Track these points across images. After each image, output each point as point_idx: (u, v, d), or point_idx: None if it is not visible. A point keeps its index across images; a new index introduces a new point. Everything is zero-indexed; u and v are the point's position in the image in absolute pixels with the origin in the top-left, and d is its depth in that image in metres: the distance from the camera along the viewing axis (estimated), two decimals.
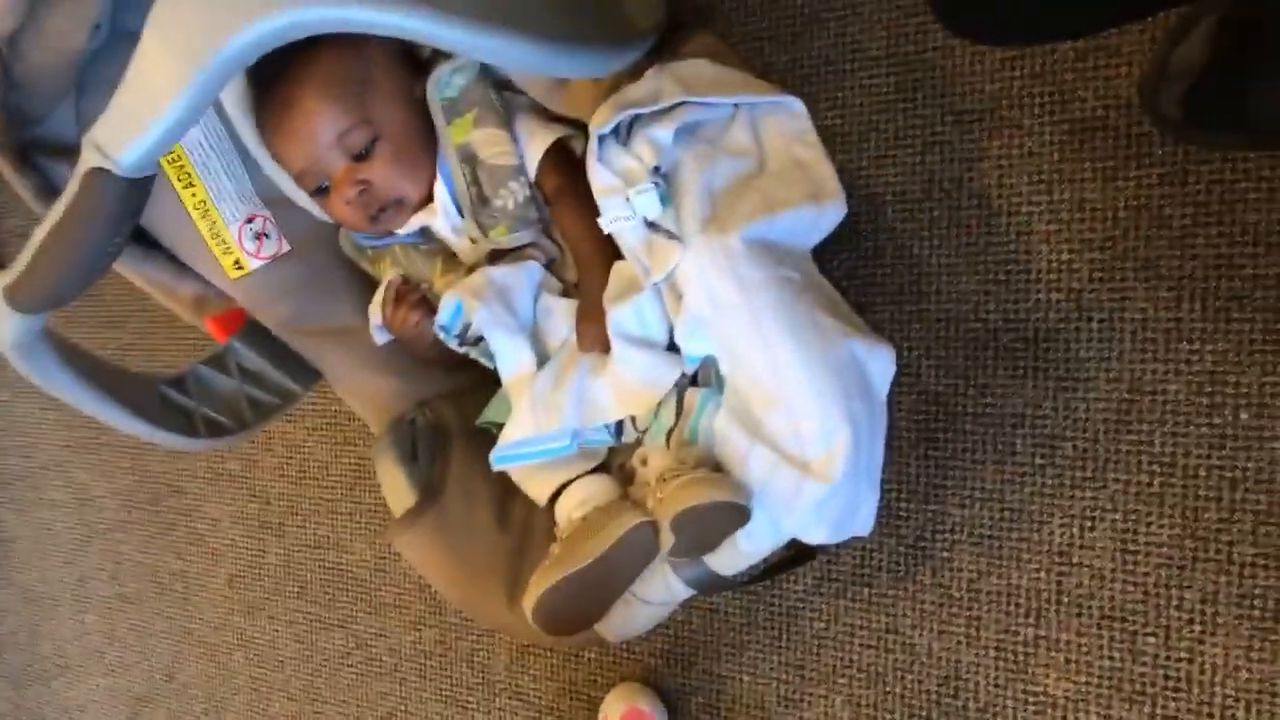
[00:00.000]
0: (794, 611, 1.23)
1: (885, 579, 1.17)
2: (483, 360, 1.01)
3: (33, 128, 0.90)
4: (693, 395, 0.94)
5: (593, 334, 0.94)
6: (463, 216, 1.00)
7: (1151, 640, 1.04)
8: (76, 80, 0.89)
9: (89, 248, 0.69)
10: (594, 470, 1.02)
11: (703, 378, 0.96)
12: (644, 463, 0.98)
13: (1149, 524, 1.03)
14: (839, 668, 1.21)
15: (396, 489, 1.05)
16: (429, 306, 1.02)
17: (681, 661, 1.31)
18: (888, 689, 1.18)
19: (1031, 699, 1.10)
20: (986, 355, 1.10)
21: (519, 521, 1.05)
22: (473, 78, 0.97)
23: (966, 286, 1.10)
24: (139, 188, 0.66)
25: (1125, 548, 1.04)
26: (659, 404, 0.96)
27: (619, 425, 1.01)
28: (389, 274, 1.06)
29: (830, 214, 0.92)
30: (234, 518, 1.78)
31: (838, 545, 1.18)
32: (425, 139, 0.98)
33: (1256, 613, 0.99)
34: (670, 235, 0.85)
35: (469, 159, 0.97)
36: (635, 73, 0.90)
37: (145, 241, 1.05)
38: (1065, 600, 1.08)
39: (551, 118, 1.00)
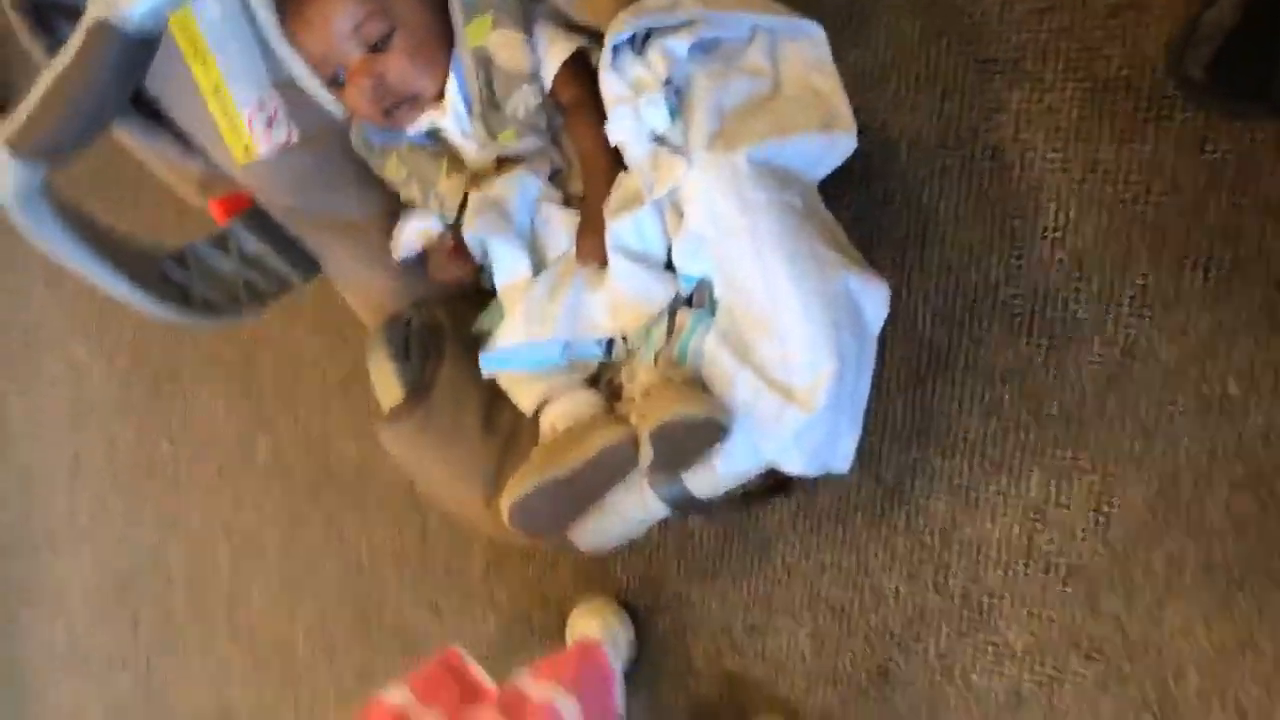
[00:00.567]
0: (767, 542, 1.25)
1: (860, 520, 1.19)
2: None
3: None
4: (685, 316, 0.95)
5: (591, 246, 0.94)
6: (472, 118, 0.99)
7: (1114, 600, 1.05)
8: None
9: (89, 100, 0.69)
10: (582, 384, 1.03)
11: (696, 300, 0.96)
12: (630, 378, 0.98)
13: (1125, 486, 1.04)
14: (806, 602, 1.23)
15: (386, 385, 1.06)
16: (475, 264, 1.03)
17: (653, 582, 1.34)
18: (852, 627, 1.20)
19: (990, 648, 1.12)
20: (984, 307, 1.10)
21: (504, 428, 1.06)
22: None
23: (971, 237, 1.10)
24: (143, 45, 0.66)
25: (1099, 508, 1.06)
26: (651, 322, 0.97)
27: (609, 342, 1.02)
28: (397, 174, 1.06)
29: (841, 145, 0.92)
30: (228, 409, 1.80)
31: (816, 482, 1.20)
32: (442, 36, 0.97)
33: (1220, 581, 1.00)
34: (676, 150, 0.85)
35: (484, 61, 0.96)
36: None
37: (155, 117, 1.04)
38: (1034, 555, 1.09)
39: (572, 27, 0.99)
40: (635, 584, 1.36)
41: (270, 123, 1.06)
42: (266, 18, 0.98)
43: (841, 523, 1.20)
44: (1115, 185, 1.03)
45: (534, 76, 0.96)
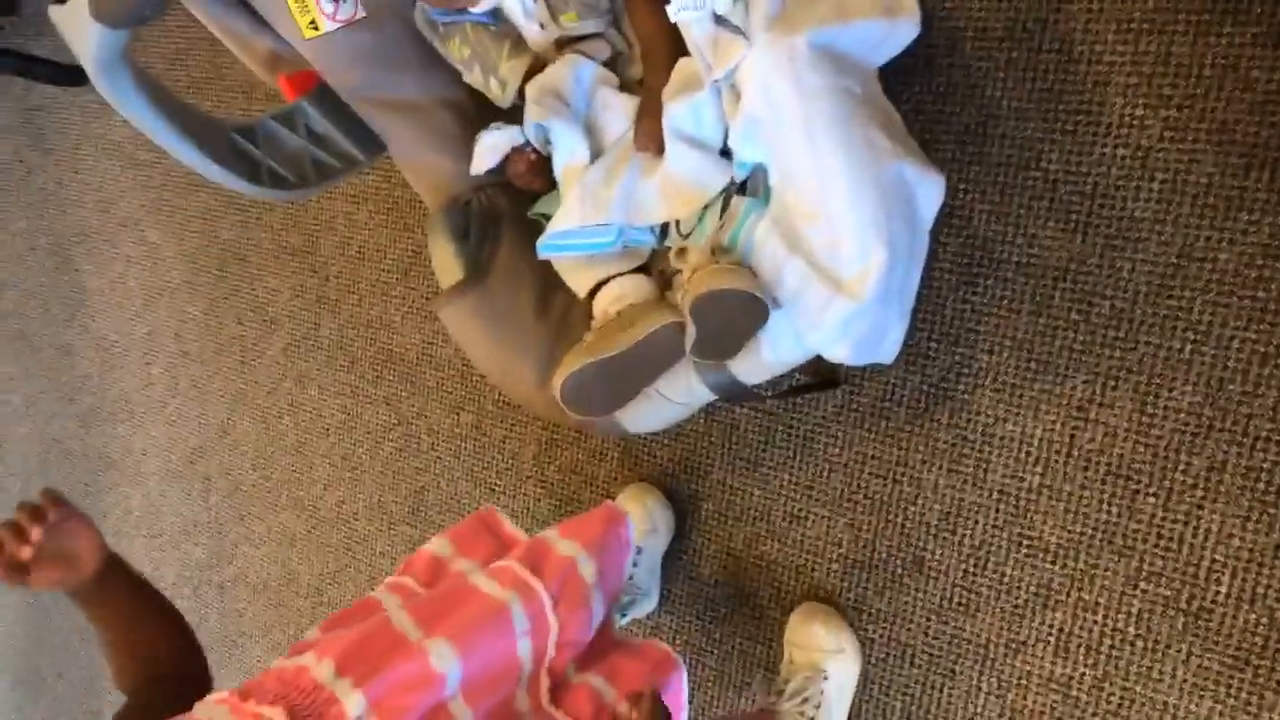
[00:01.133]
0: (810, 435, 1.28)
1: (903, 414, 1.21)
2: None
3: None
4: (738, 204, 0.96)
5: (650, 130, 0.95)
6: None
7: (1152, 500, 1.07)
8: None
9: None
10: (635, 270, 1.05)
11: (751, 188, 0.97)
12: (681, 255, 1.00)
13: (1171, 389, 1.04)
14: (846, 493, 1.26)
15: (446, 264, 1.10)
16: (551, 177, 1.04)
17: (698, 470, 1.38)
18: (890, 518, 1.23)
19: (1025, 542, 1.14)
20: (1041, 205, 1.09)
21: (559, 310, 1.09)
22: None
23: (1033, 133, 1.08)
24: None
25: (1143, 409, 1.06)
26: (704, 209, 0.98)
27: (664, 228, 1.04)
28: (459, 54, 1.07)
29: (903, 31, 0.91)
30: (293, 290, 1.86)
31: (861, 376, 1.22)
32: None
33: (1261, 486, 1.01)
34: (737, 31, 0.85)
35: None
36: None
37: None
38: (1075, 454, 1.10)
39: None
40: (680, 470, 1.40)
41: None
42: None
43: (885, 416, 1.22)
44: (1186, 80, 1.00)
45: None
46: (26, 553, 0.80)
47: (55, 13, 0.83)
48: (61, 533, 0.83)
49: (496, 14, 1.04)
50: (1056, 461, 1.11)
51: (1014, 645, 1.16)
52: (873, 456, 1.23)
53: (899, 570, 1.23)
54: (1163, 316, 1.04)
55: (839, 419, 1.25)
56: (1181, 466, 1.05)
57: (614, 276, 1.05)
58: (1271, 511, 1.01)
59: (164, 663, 0.88)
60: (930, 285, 1.16)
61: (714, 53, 0.87)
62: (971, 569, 1.18)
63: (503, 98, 1.06)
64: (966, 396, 1.16)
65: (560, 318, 1.10)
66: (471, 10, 1.03)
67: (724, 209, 0.98)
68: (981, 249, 1.13)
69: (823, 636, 1.23)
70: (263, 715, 0.72)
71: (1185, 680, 1.07)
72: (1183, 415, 1.04)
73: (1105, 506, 1.09)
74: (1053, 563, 1.13)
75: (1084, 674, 1.12)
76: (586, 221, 0.99)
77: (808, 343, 0.97)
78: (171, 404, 2.14)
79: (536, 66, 1.04)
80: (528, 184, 1.06)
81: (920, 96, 1.13)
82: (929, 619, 1.22)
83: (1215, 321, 1.02)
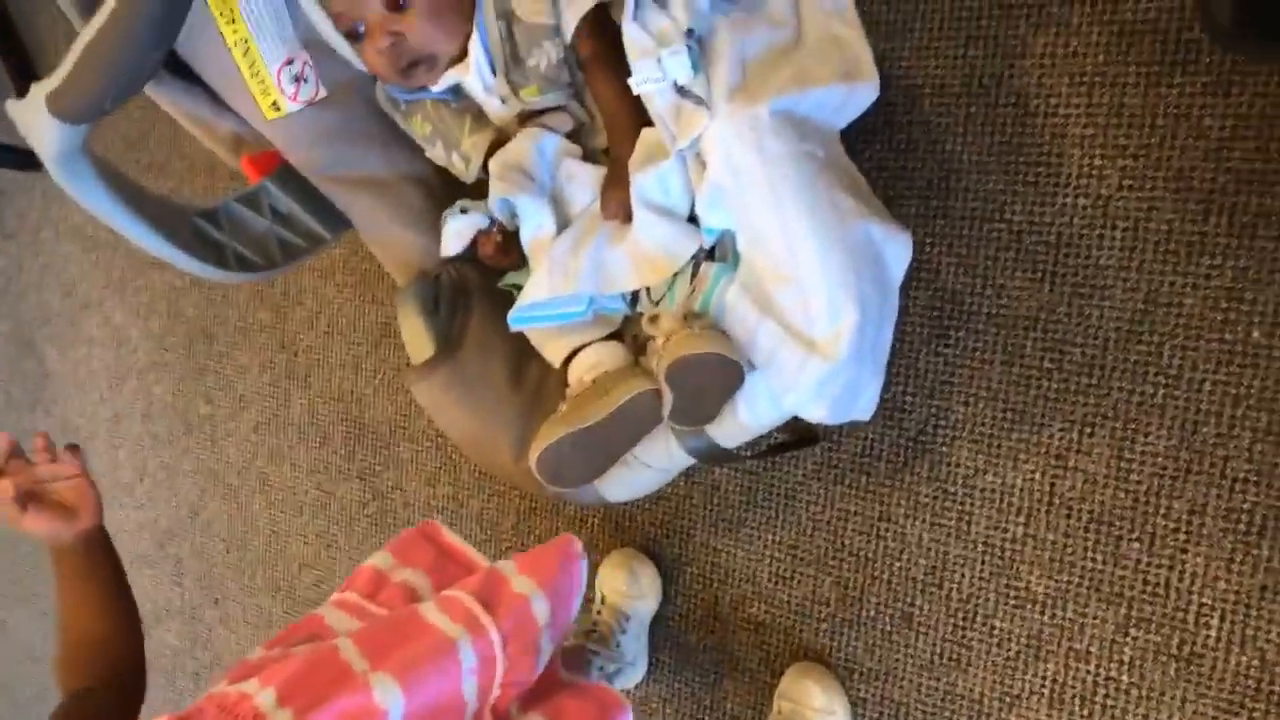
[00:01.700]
0: (792, 494, 1.27)
1: (883, 469, 1.20)
2: None
3: None
4: (707, 269, 0.96)
5: (617, 200, 0.95)
6: (495, 75, 1.00)
7: (1135, 546, 1.06)
8: None
9: (127, 58, 0.71)
10: (608, 337, 1.05)
11: (719, 253, 0.97)
12: (654, 321, 1.00)
13: (1147, 434, 1.05)
14: (831, 550, 1.25)
15: (417, 338, 1.09)
16: (520, 252, 1.04)
17: (680, 533, 1.36)
18: (876, 574, 1.22)
19: (1013, 593, 1.13)
20: (1007, 256, 1.10)
21: (533, 381, 1.09)
22: None
23: (995, 186, 1.10)
24: (178, 3, 0.68)
25: (1121, 455, 1.06)
26: (674, 276, 0.98)
27: (634, 295, 1.04)
28: (422, 130, 1.07)
29: (862, 95, 0.92)
30: (262, 366, 1.84)
31: (839, 433, 1.22)
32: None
33: (1242, 527, 1.01)
34: (699, 101, 0.86)
35: (505, 16, 0.97)
36: None
37: (187, 76, 1.06)
38: (1056, 502, 1.10)
39: None
40: (663, 534, 1.38)
41: (298, 79, 1.07)
42: None
43: (865, 472, 1.22)
44: (1140, 131, 1.02)
45: (555, 31, 0.97)
46: (36, 488, 0.83)
47: (13, 108, 0.82)
48: (70, 484, 0.86)
49: (457, 90, 1.05)
50: (1038, 511, 1.11)
51: (1008, 699, 1.15)
52: (855, 513, 1.23)
53: (888, 627, 1.22)
54: (1133, 362, 1.05)
55: (819, 476, 1.25)
56: (1162, 511, 1.05)
57: (587, 344, 1.04)
58: (1255, 552, 1.01)
59: (112, 668, 0.86)
60: (902, 339, 1.16)
61: (677, 123, 0.87)
62: (960, 623, 1.17)
63: (466, 173, 1.06)
64: (945, 449, 1.16)
65: (535, 388, 1.09)
66: (432, 88, 1.03)
67: (694, 275, 0.98)
68: (951, 301, 1.13)
69: (816, 695, 1.21)
70: None
71: None
72: (1160, 459, 1.05)
73: (1090, 554, 1.09)
74: (1041, 613, 1.12)
75: None
76: (556, 293, 0.99)
77: (784, 404, 0.96)
78: (140, 487, 2.10)
79: (499, 141, 1.04)
80: (498, 263, 1.06)
81: (882, 154, 1.15)
82: (921, 675, 1.20)
83: (1185, 365, 1.02)
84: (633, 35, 0.86)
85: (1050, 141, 1.06)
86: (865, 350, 0.93)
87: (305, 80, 1.07)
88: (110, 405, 2.13)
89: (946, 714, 1.19)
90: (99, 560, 0.90)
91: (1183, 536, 1.04)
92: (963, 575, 1.17)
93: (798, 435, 1.22)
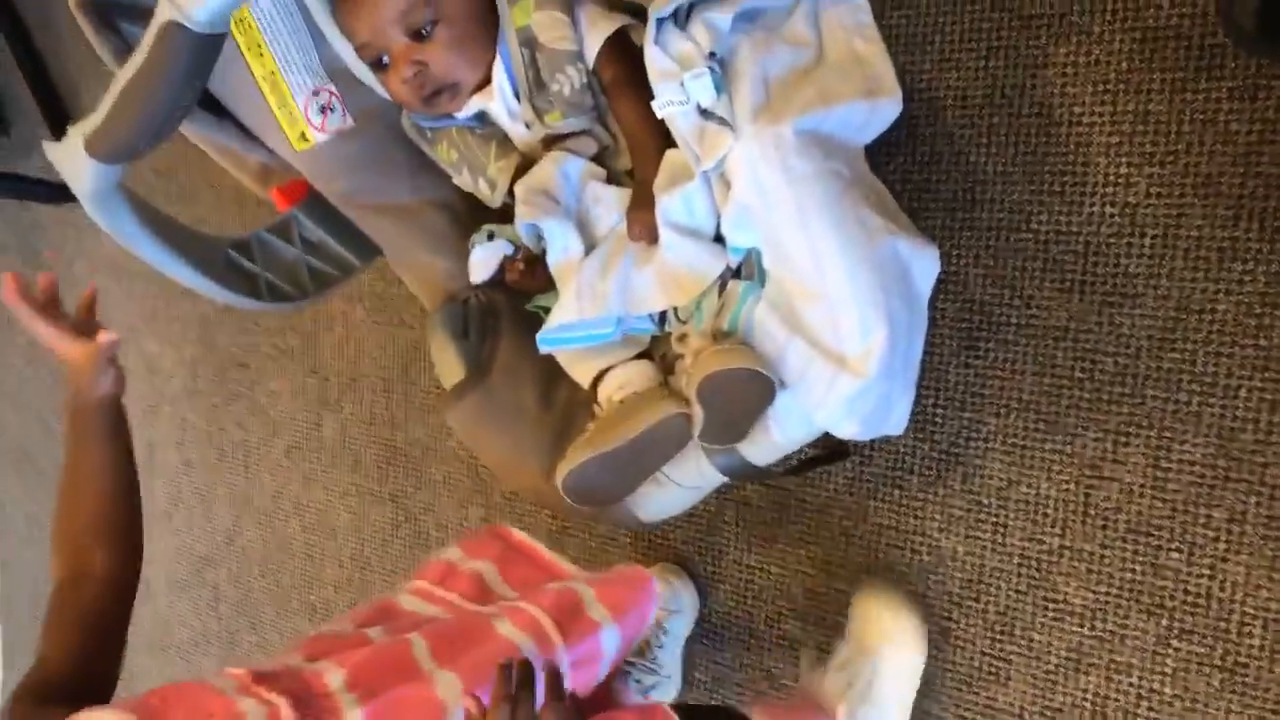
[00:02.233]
0: (824, 509, 1.26)
1: (916, 482, 1.20)
2: None
3: None
4: (735, 287, 0.96)
5: (643, 222, 0.96)
6: (519, 100, 1.01)
7: (1175, 555, 1.05)
8: None
9: (162, 99, 0.72)
10: (637, 357, 1.05)
11: (746, 271, 0.97)
12: (682, 340, 1.00)
13: (1183, 442, 1.04)
14: (865, 565, 1.24)
15: (448, 363, 1.10)
16: (547, 275, 1.04)
17: (713, 550, 1.36)
18: (911, 588, 1.21)
19: (1050, 606, 1.12)
20: (1035, 266, 1.10)
21: (562, 402, 1.09)
22: None
23: (1020, 196, 1.09)
24: (210, 44, 0.69)
25: (1157, 464, 1.05)
26: (701, 295, 0.98)
27: (662, 315, 1.04)
28: (446, 157, 1.08)
29: (885, 111, 0.92)
30: (293, 392, 1.86)
31: (871, 447, 1.21)
32: (486, 27, 0.99)
33: None
34: (722, 123, 0.86)
35: (529, 42, 0.98)
36: None
37: (217, 110, 1.08)
38: (1092, 512, 1.09)
39: (613, 6, 1.00)
40: (695, 552, 1.38)
41: (325, 110, 1.09)
42: (318, 7, 1.01)
43: (897, 486, 1.21)
44: (1167, 137, 1.02)
45: (578, 56, 0.98)
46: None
47: (51, 150, 0.84)
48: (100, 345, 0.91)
49: (482, 117, 1.06)
50: (1074, 522, 1.10)
51: (1049, 712, 1.14)
52: (889, 527, 1.22)
53: (927, 642, 1.21)
54: (1167, 370, 1.04)
55: (851, 491, 1.24)
56: (1201, 520, 1.04)
57: (616, 365, 1.04)
58: None
59: (115, 536, 0.88)
60: (932, 351, 1.16)
61: (701, 144, 0.88)
62: (999, 636, 1.16)
63: (492, 198, 1.07)
64: (978, 460, 1.15)
65: (564, 409, 1.10)
66: (457, 115, 1.05)
67: (721, 293, 0.99)
68: (980, 313, 1.13)
69: (885, 620, 1.18)
70: (268, 699, 0.74)
71: None
72: (1197, 468, 1.03)
73: (1129, 565, 1.07)
74: (1081, 625, 1.11)
75: None
76: (584, 315, 0.99)
77: (815, 421, 0.96)
78: (177, 514, 2.12)
79: (525, 165, 1.05)
80: (525, 287, 1.07)
81: (906, 167, 1.15)
82: (960, 689, 1.19)
83: (1220, 372, 1.01)
84: (655, 59, 0.87)
85: (1075, 150, 1.06)
86: (896, 366, 0.93)
87: (332, 110, 1.09)
88: (145, 433, 2.16)
89: None
90: (119, 428, 0.93)
91: (1223, 545, 1.03)
92: (999, 588, 1.16)
93: (828, 450, 1.22)
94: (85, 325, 0.94)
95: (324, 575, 1.85)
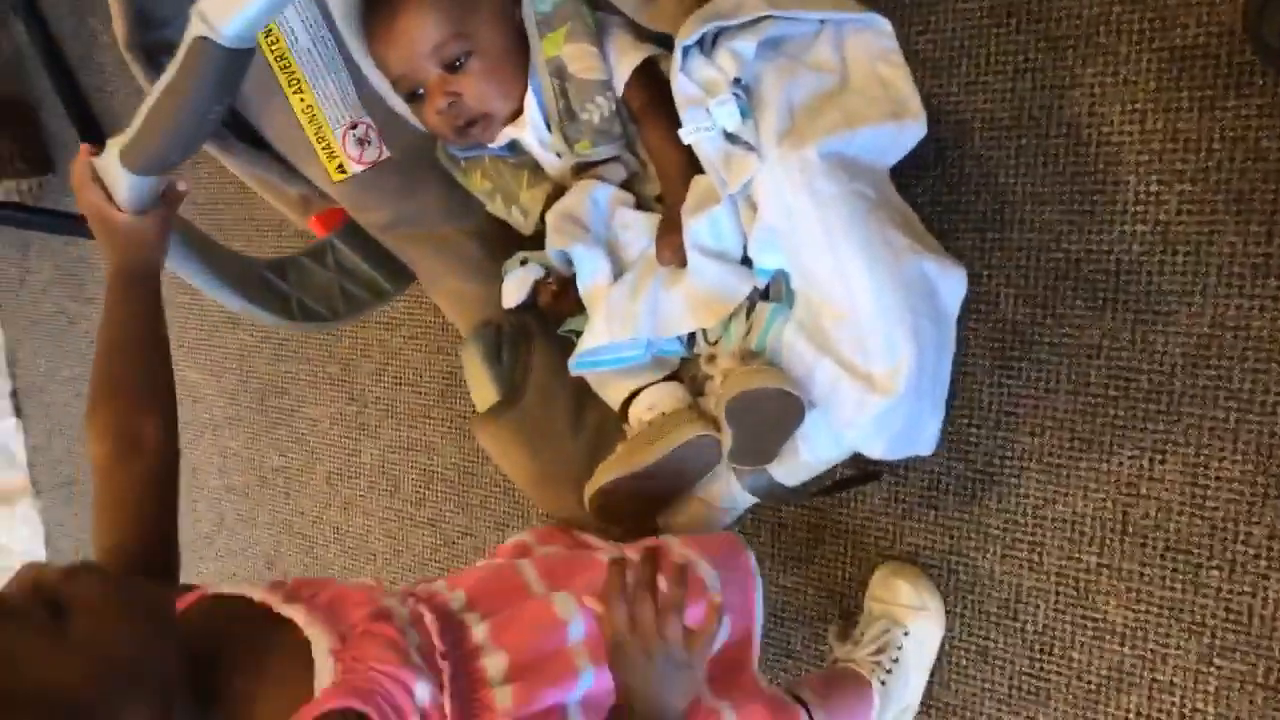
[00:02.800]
0: (860, 529, 1.26)
1: (951, 502, 1.19)
2: None
3: (159, 30, 0.96)
4: (763, 309, 0.97)
5: (671, 246, 0.97)
6: (550, 130, 1.03)
7: (1215, 573, 1.04)
8: None
9: (192, 111, 0.76)
10: (666, 378, 1.06)
11: (774, 293, 0.98)
12: (711, 361, 1.01)
13: (1221, 459, 1.03)
14: None
15: (481, 386, 1.12)
16: (577, 296, 1.06)
17: None
18: (948, 608, 1.20)
19: (1090, 625, 1.11)
20: (1066, 285, 1.09)
21: (593, 423, 1.10)
22: None
23: (1050, 216, 1.10)
24: (237, 58, 0.73)
25: (1195, 481, 1.04)
26: (730, 316, 1.00)
27: (691, 336, 1.05)
28: (480, 186, 1.10)
29: (910, 133, 0.93)
30: (332, 418, 1.89)
31: (905, 467, 1.21)
32: (517, 59, 1.01)
33: None
34: (748, 148, 0.87)
35: (559, 73, 1.00)
36: None
37: (257, 144, 1.11)
38: (1130, 530, 1.08)
39: (641, 36, 1.02)
40: None
41: (362, 142, 1.12)
42: (352, 37, 1.04)
43: (933, 506, 1.21)
44: (1197, 155, 1.02)
45: (606, 85, 1.00)
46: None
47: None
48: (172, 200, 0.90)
49: (514, 146, 1.08)
50: (1112, 540, 1.09)
51: None
52: (925, 547, 1.22)
53: (964, 661, 1.20)
54: (1203, 387, 1.03)
55: (887, 511, 1.24)
56: (1241, 537, 1.02)
57: (646, 386, 1.06)
58: None
59: (154, 406, 0.85)
60: (965, 371, 1.16)
61: (728, 169, 0.89)
62: (1038, 655, 1.15)
63: (526, 225, 1.09)
64: (1014, 479, 1.15)
65: (595, 431, 1.11)
66: (489, 145, 1.07)
67: (749, 314, 1.00)
68: (1012, 332, 1.13)
69: (906, 592, 1.19)
70: (423, 616, 0.76)
71: None
72: (1236, 485, 1.02)
73: (1168, 583, 1.06)
74: (1122, 644, 1.10)
75: None
76: (615, 338, 1.01)
77: (845, 441, 0.97)
78: (218, 539, 2.16)
79: (557, 192, 1.07)
80: (557, 310, 1.09)
81: (935, 188, 1.15)
82: (1000, 710, 1.18)
83: (1257, 388, 1.00)
84: (681, 86, 0.89)
85: (1105, 169, 1.06)
86: (924, 385, 0.93)
87: (369, 142, 1.12)
88: (187, 459, 2.20)
89: None
90: (159, 297, 0.90)
91: (1264, 562, 1.02)
92: (1038, 607, 1.15)
93: (861, 471, 1.22)
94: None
95: None
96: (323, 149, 1.10)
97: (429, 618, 0.76)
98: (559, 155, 1.04)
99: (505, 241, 1.13)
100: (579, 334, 1.05)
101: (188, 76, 0.74)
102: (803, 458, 0.98)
